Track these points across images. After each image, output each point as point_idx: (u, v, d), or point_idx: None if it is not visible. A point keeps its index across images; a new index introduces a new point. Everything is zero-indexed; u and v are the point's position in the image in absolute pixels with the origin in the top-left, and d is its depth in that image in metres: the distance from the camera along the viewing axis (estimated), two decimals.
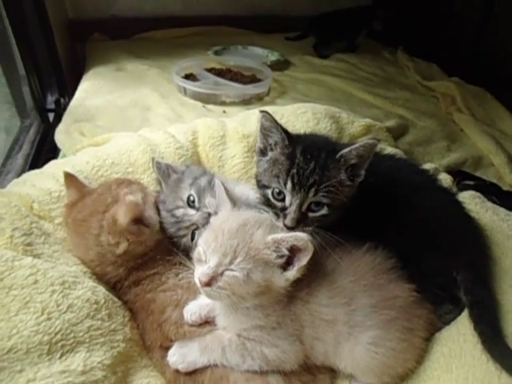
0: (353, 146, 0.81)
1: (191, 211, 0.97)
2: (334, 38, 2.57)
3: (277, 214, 0.85)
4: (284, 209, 0.84)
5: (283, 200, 0.84)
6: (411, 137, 1.65)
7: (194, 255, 0.76)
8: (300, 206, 0.81)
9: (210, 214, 0.93)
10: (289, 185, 0.82)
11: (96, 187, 0.99)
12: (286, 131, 0.87)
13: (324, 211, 0.82)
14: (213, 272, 0.70)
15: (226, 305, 0.74)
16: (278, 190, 0.84)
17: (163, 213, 0.99)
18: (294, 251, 0.72)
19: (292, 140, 0.86)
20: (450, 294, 0.88)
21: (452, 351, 0.80)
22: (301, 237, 0.71)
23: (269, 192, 0.86)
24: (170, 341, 0.83)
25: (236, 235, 0.73)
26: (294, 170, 0.81)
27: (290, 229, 0.81)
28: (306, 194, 0.81)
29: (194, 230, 0.96)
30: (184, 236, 0.97)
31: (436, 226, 0.89)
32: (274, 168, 0.86)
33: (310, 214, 0.83)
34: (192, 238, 0.96)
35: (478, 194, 1.15)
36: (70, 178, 0.98)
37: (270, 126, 0.86)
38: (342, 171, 0.83)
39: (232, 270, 0.71)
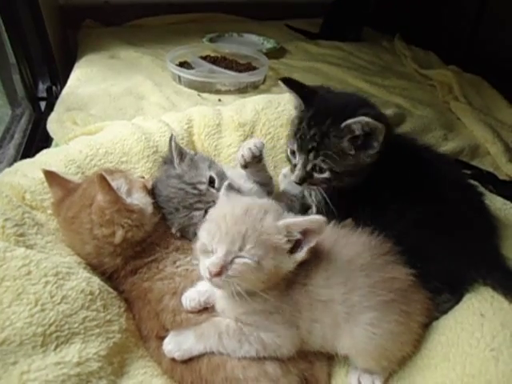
0: (357, 119, 0.83)
1: (213, 190, 0.99)
2: (346, 33, 2.54)
3: (292, 170, 0.96)
4: (294, 166, 0.95)
5: (295, 158, 0.95)
6: (408, 126, 1.63)
7: (198, 247, 0.75)
8: (304, 165, 0.91)
9: None
10: (296, 146, 0.92)
11: (80, 182, 0.96)
12: (305, 95, 0.93)
13: (326, 175, 0.89)
14: (223, 261, 0.69)
15: (232, 292, 0.72)
16: (291, 148, 0.95)
17: (181, 185, 0.98)
18: (305, 233, 0.73)
19: (309, 103, 0.92)
20: (449, 284, 0.88)
21: (449, 340, 0.80)
22: (316, 219, 0.72)
23: (288, 149, 0.98)
24: (166, 330, 0.83)
25: (243, 221, 0.71)
26: (299, 134, 0.91)
27: (297, 184, 0.94)
28: (307, 157, 0.89)
29: (208, 207, 0.95)
30: (198, 209, 0.97)
31: (454, 219, 0.89)
32: (292, 128, 0.97)
33: (315, 175, 0.91)
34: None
35: (475, 183, 1.15)
36: (51, 176, 0.93)
37: (289, 91, 0.94)
38: (345, 140, 0.86)
39: (242, 256, 0.69)
